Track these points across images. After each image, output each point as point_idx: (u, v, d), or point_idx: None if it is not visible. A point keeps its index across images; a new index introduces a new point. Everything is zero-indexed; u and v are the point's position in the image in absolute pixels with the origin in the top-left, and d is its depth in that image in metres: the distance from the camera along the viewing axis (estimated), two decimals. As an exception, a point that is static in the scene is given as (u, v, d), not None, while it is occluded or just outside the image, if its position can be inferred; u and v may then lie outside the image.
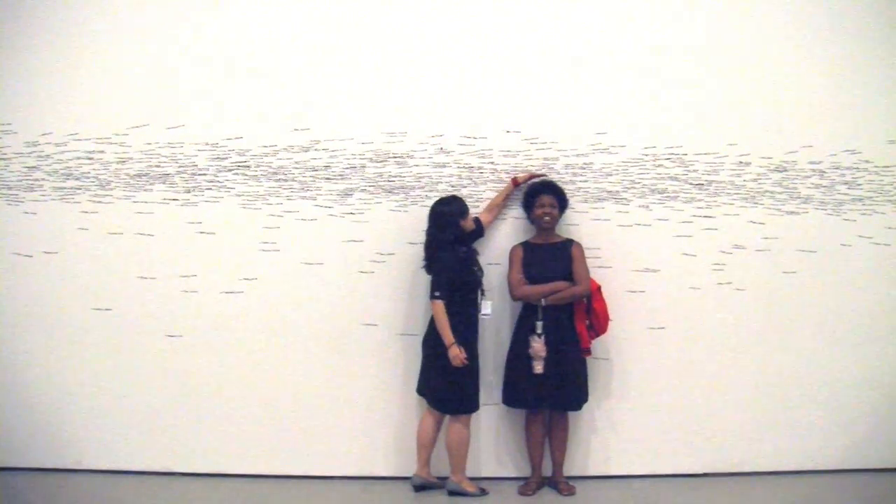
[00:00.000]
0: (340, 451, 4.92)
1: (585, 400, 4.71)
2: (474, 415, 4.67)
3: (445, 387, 4.54)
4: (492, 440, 4.93)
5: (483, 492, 4.66)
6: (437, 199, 4.72)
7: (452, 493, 4.61)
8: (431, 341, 4.57)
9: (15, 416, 4.94)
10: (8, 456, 4.94)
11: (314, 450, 4.92)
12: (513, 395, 4.69)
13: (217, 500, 4.64)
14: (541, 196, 4.73)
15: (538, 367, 4.54)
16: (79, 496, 4.65)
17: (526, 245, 4.78)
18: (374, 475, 4.90)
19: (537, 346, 4.54)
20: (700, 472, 4.99)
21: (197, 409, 4.91)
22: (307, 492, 4.74)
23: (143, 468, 4.92)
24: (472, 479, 4.69)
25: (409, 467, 4.82)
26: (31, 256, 4.93)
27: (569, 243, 4.77)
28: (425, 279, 4.73)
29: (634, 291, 4.86)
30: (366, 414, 4.92)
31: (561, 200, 4.76)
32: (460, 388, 4.54)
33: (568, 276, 4.65)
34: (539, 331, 4.55)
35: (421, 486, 4.68)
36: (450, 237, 4.58)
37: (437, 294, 4.49)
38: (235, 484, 4.82)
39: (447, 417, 4.64)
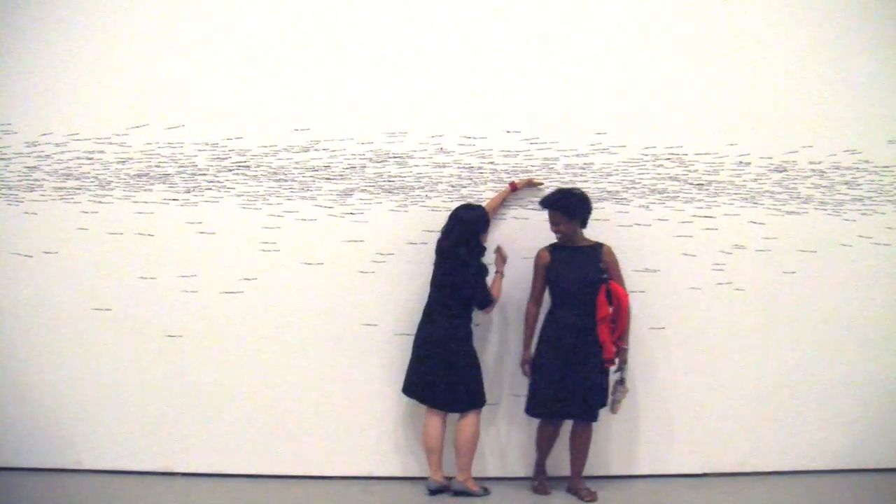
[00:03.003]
0: (340, 451, 4.92)
1: (603, 405, 4.63)
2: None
3: (455, 386, 4.55)
4: (497, 439, 4.93)
5: (486, 491, 4.66)
6: (462, 204, 4.70)
7: (458, 493, 4.61)
8: (439, 342, 4.55)
9: (15, 416, 4.94)
10: (8, 456, 4.94)
11: (314, 450, 4.92)
12: (536, 405, 4.62)
13: (217, 500, 4.64)
14: (548, 213, 4.64)
15: (617, 409, 4.65)
16: (79, 496, 4.65)
17: (553, 248, 4.67)
18: (374, 475, 4.90)
19: (620, 393, 4.62)
20: (700, 472, 4.99)
21: (197, 409, 4.91)
22: (307, 492, 4.74)
23: (143, 468, 4.92)
24: (475, 478, 4.68)
25: (409, 467, 4.85)
26: (31, 256, 4.93)
27: (598, 247, 4.66)
28: (425, 279, 4.73)
29: (634, 291, 4.85)
30: (366, 414, 4.92)
31: (569, 213, 4.59)
32: (469, 383, 4.57)
33: (597, 279, 4.55)
34: (623, 376, 4.63)
35: (437, 490, 4.64)
36: (478, 248, 4.60)
37: (490, 300, 4.62)
38: (235, 484, 4.82)
39: (457, 417, 4.63)
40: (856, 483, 4.90)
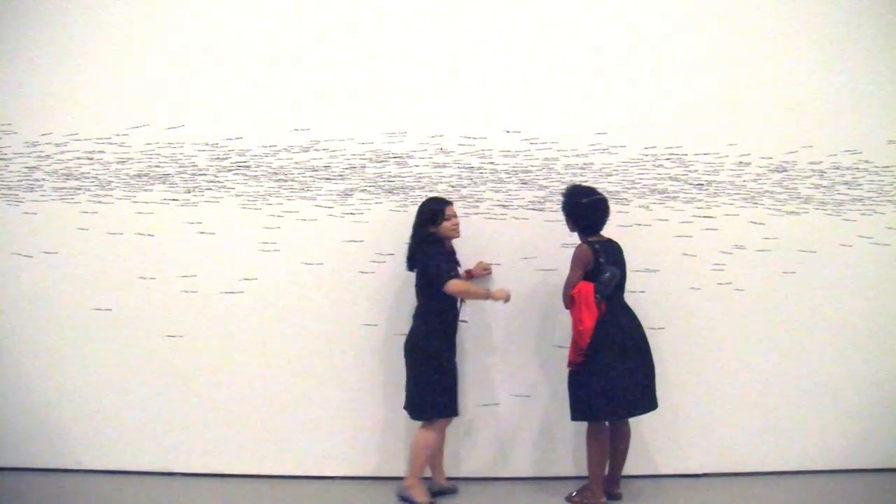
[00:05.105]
0: (340, 452, 4.92)
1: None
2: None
3: (421, 392, 4.41)
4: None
5: (453, 490, 4.66)
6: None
7: (403, 499, 4.53)
8: (414, 347, 4.44)
9: (15, 416, 4.95)
10: (8, 456, 4.95)
11: (314, 450, 4.92)
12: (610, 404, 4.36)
13: (217, 500, 4.64)
14: None
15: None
16: (79, 496, 4.65)
17: (591, 245, 4.42)
18: (374, 475, 4.90)
19: None
20: (700, 472, 4.99)
21: (197, 409, 4.91)
22: (307, 492, 4.75)
23: (143, 468, 4.93)
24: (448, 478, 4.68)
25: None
26: (31, 256, 4.94)
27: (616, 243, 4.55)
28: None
29: (634, 291, 4.84)
30: (365, 414, 4.92)
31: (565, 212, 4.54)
32: (435, 393, 4.39)
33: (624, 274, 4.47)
34: None
35: (438, 493, 4.62)
36: (429, 232, 4.44)
37: (450, 275, 4.32)
38: (235, 484, 4.83)
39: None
40: (856, 483, 4.90)
